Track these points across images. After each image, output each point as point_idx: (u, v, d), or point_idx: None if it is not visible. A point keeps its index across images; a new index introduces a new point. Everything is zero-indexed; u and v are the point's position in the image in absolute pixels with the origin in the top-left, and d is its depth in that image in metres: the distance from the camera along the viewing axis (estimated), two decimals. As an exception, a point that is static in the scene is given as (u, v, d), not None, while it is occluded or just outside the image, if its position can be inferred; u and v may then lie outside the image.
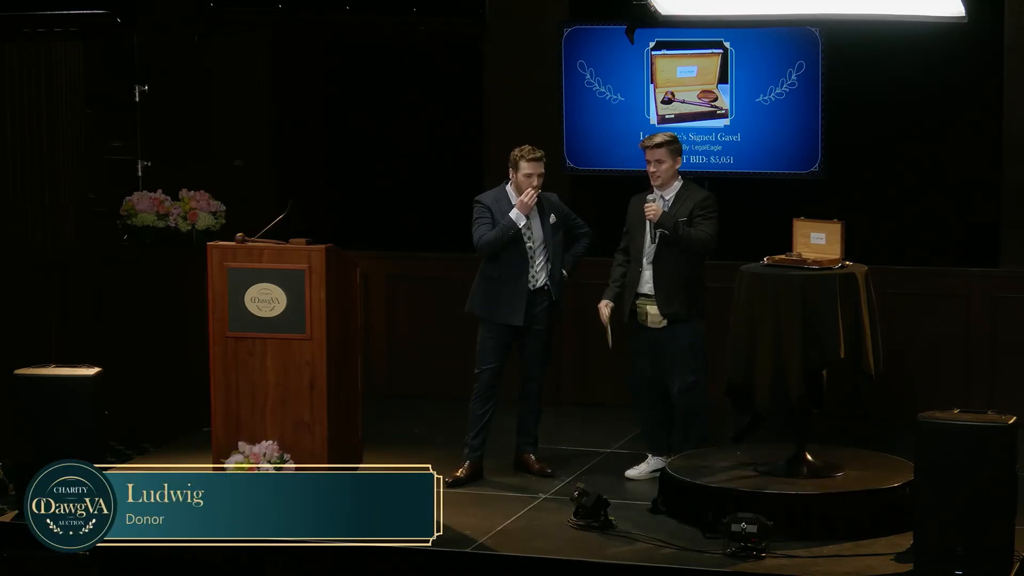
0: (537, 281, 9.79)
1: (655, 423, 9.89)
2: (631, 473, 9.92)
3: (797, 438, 9.29)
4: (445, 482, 9.68)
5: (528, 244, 9.77)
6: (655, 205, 9.62)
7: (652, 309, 9.68)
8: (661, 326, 9.67)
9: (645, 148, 9.71)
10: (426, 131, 12.99)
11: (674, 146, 9.71)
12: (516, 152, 9.77)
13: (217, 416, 9.53)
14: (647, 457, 9.94)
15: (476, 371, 9.89)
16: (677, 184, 9.74)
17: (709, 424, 9.85)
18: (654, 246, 9.65)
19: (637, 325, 9.76)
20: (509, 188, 9.83)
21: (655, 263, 9.66)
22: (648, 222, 9.63)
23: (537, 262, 9.78)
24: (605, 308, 9.81)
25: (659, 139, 9.70)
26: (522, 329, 9.80)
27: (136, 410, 11.40)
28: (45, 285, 11.60)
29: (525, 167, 9.72)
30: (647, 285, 9.69)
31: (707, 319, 9.74)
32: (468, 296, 9.91)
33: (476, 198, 9.91)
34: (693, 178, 10.01)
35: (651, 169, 9.69)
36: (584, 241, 10.01)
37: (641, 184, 9.97)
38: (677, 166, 9.74)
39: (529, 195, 9.67)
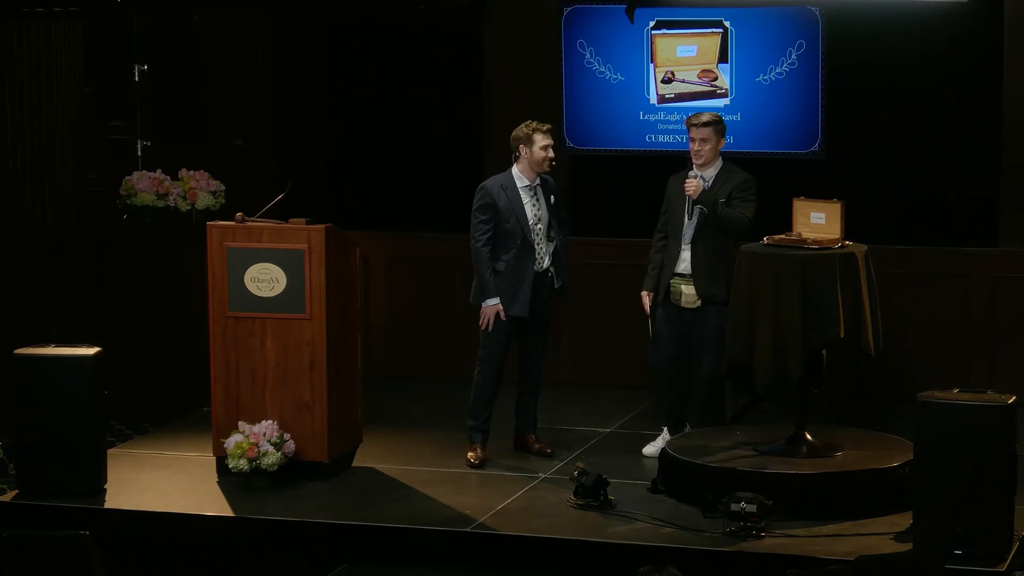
0: (542, 264, 9.74)
1: (675, 401, 9.87)
2: (648, 450, 9.90)
3: (797, 418, 9.28)
4: (471, 464, 9.69)
5: (537, 226, 9.71)
6: (696, 181, 9.58)
7: (687, 289, 9.64)
8: (695, 306, 9.65)
9: (691, 126, 9.67)
10: (426, 111, 12.96)
11: (720, 126, 9.68)
12: (525, 129, 9.65)
13: (217, 396, 9.52)
14: (663, 431, 9.91)
15: (481, 354, 9.81)
16: (718, 164, 9.71)
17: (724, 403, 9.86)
18: (693, 227, 9.62)
19: (670, 304, 9.74)
20: (516, 171, 9.73)
21: (694, 244, 9.62)
22: (688, 200, 9.62)
23: (542, 245, 9.74)
24: (647, 298, 9.80)
25: (706, 118, 9.66)
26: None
27: (136, 390, 11.41)
28: (45, 265, 11.58)
29: (542, 139, 9.64)
30: (683, 265, 9.66)
31: None
32: (472, 289, 9.80)
33: (482, 185, 9.75)
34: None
35: (695, 148, 9.64)
36: (564, 233, 9.87)
37: (643, 163, 9.96)
38: (720, 147, 9.70)
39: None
